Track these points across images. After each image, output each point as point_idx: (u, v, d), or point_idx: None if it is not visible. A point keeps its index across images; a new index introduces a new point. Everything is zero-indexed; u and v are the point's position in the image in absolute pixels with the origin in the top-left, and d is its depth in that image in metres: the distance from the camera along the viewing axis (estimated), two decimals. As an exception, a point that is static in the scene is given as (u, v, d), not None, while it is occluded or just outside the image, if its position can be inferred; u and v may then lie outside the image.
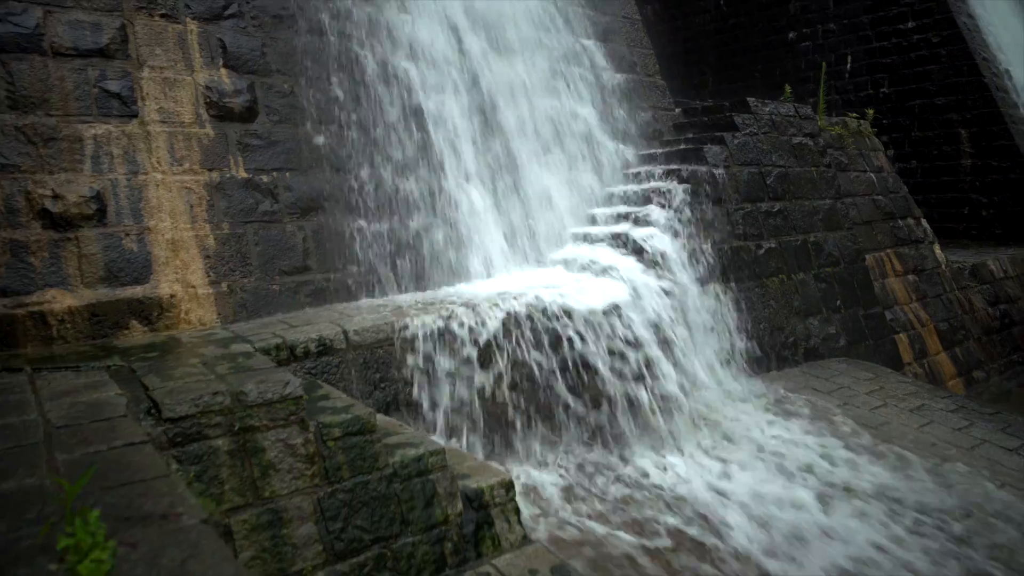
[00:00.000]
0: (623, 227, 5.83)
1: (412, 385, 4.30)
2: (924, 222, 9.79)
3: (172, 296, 4.46)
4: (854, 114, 9.84)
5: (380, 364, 4.26)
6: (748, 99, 7.08)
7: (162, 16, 5.10)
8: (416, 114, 5.70)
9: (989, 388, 9.18)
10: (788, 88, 10.93)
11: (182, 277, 4.54)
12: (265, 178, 5.06)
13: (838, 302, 7.00)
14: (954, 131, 13.46)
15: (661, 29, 16.15)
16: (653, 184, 6.23)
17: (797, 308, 6.59)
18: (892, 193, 9.49)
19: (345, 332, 4.19)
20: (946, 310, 9.15)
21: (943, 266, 9.62)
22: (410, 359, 4.33)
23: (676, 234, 5.79)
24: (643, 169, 6.60)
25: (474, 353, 4.49)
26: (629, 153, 6.92)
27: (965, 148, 13.37)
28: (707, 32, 16.50)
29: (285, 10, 5.63)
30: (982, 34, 13.97)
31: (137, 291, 4.37)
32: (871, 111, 10.20)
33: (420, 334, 4.37)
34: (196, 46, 5.19)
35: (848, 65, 14.42)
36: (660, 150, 6.91)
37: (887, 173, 9.68)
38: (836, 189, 7.62)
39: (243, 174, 4.99)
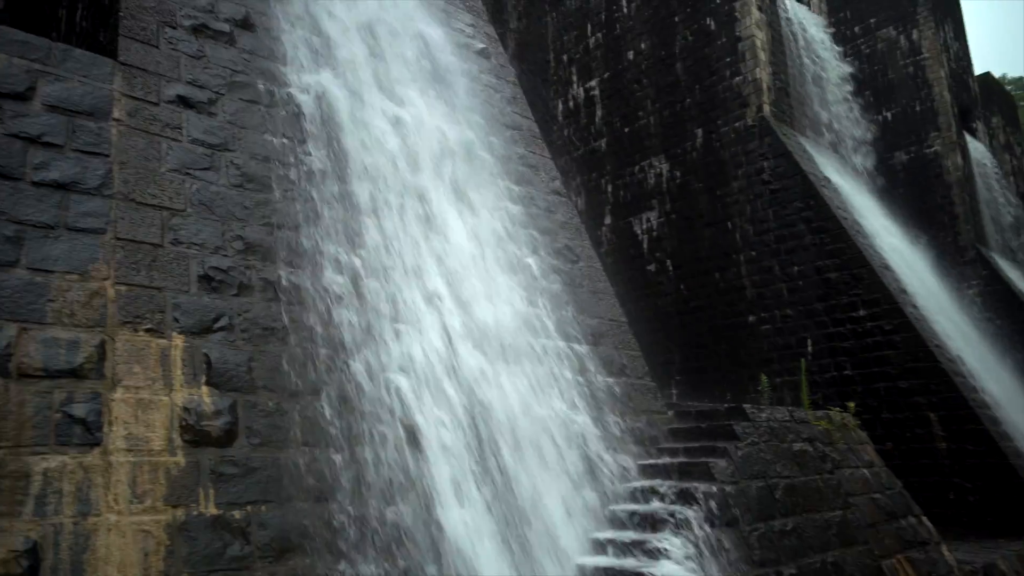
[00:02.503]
0: (633, 561, 5.21)
1: None
2: (926, 520, 9.32)
3: None
4: (836, 408, 9.82)
5: None
6: (745, 406, 6.92)
7: (147, 331, 4.81)
8: (408, 433, 5.30)
9: None
10: (765, 378, 11.10)
11: (118, 657, 3.67)
12: (237, 514, 4.42)
13: (869, 635, 6.21)
14: (923, 414, 13.58)
15: (627, 309, 16.86)
16: (659, 505, 5.73)
17: (829, 648, 5.78)
18: (888, 489, 9.13)
19: None
20: (970, 625, 8.32)
21: (955, 570, 8.97)
22: None
23: (694, 569, 5.17)
24: (645, 484, 6.14)
25: None
26: (628, 463, 6.52)
27: (937, 431, 13.39)
28: (670, 313, 17.24)
29: (277, 322, 5.43)
30: (930, 323, 14.80)
31: None
32: (852, 404, 10.21)
33: None
34: (179, 362, 4.85)
35: (809, 347, 14.92)
36: (660, 460, 6.54)
37: (879, 467, 9.40)
38: (843, 498, 7.22)
39: (213, 510, 4.36)
